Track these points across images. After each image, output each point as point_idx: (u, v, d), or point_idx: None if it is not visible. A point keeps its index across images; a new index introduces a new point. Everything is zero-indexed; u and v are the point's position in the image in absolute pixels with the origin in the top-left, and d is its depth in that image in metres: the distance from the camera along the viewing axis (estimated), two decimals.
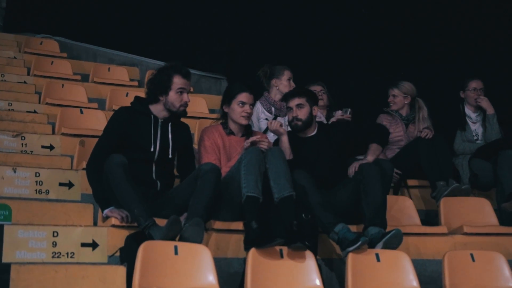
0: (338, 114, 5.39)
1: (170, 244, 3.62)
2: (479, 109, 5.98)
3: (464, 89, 6.05)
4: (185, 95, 4.22)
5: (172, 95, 4.20)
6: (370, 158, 4.62)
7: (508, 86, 6.40)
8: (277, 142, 4.69)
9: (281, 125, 4.68)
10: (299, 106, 4.71)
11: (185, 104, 4.25)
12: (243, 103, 4.49)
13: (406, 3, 7.06)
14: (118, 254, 3.82)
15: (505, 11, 6.70)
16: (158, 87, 4.21)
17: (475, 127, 5.95)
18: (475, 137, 5.88)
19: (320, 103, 5.56)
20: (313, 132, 4.78)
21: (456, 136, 5.91)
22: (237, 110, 4.49)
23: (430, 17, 7.02)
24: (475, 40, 6.71)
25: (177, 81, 4.20)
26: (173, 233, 3.69)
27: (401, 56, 7.04)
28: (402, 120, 5.89)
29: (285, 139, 4.63)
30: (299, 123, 4.72)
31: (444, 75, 6.79)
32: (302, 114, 4.71)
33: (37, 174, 4.45)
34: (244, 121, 4.52)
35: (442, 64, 6.90)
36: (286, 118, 5.01)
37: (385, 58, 7.18)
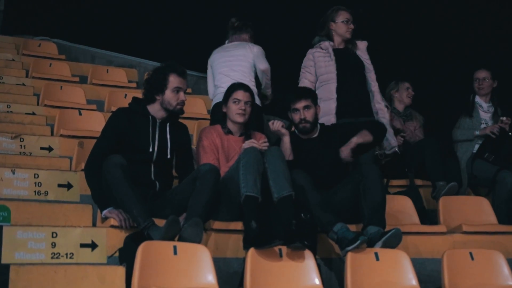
0: None
1: (169, 244, 3.61)
2: (491, 100, 5.97)
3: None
4: (181, 94, 4.22)
5: (169, 94, 4.19)
6: (355, 139, 4.50)
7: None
8: (278, 142, 4.65)
9: (282, 126, 4.66)
10: (306, 107, 4.60)
11: (182, 103, 4.25)
12: (238, 101, 4.50)
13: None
14: (117, 254, 3.81)
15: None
16: (154, 87, 4.21)
17: (485, 116, 5.90)
18: (484, 125, 5.82)
19: None
20: (315, 134, 4.70)
21: (460, 122, 5.88)
22: (232, 108, 4.51)
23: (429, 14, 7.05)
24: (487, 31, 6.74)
25: (173, 80, 4.20)
26: (172, 233, 3.69)
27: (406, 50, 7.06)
28: (400, 116, 5.91)
29: (286, 140, 4.59)
30: (307, 125, 4.61)
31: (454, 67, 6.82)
32: (310, 115, 4.61)
33: (36, 176, 4.45)
34: (239, 119, 4.51)
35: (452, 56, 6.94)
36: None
37: (385, 53, 7.19)
